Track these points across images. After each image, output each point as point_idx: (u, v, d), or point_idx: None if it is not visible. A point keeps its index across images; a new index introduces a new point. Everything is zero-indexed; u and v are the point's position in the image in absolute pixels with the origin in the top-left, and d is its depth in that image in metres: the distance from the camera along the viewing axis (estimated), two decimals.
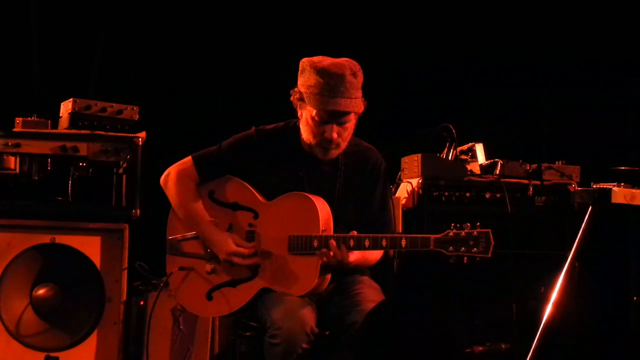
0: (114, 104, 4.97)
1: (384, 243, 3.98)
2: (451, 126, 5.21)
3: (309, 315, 3.96)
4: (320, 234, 4.03)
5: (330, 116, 4.04)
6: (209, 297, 4.19)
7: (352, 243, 3.99)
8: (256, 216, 4.18)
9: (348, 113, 4.05)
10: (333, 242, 3.97)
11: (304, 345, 3.89)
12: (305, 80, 4.07)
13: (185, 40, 6.25)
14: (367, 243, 3.99)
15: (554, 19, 6.36)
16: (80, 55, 6.10)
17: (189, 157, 4.28)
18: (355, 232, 4.03)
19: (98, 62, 6.13)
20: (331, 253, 3.98)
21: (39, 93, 5.93)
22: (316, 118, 4.05)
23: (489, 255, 3.88)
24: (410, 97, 6.33)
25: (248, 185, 4.21)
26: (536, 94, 6.39)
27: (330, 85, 4.00)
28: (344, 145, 4.14)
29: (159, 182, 4.30)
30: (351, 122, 4.11)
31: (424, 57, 6.34)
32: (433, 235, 3.92)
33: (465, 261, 3.93)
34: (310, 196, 4.08)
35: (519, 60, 6.31)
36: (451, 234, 3.90)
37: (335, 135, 4.06)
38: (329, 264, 4.03)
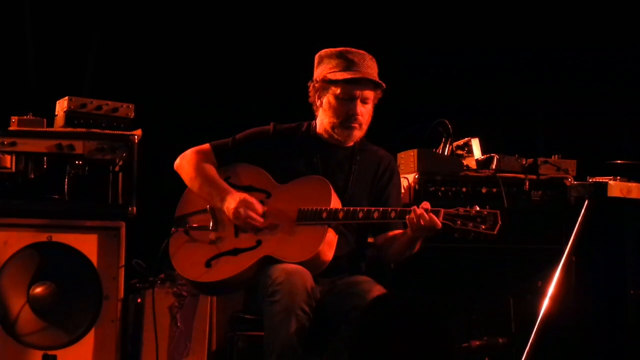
0: (109, 102, 4.96)
1: (392, 215, 4.05)
2: (447, 121, 5.21)
3: (308, 276, 4.00)
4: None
5: (355, 88, 4.16)
6: (208, 264, 4.19)
7: (360, 215, 4.05)
8: (268, 196, 4.24)
9: (373, 85, 4.19)
10: (427, 204, 4.00)
11: (304, 306, 3.91)
12: (325, 66, 4.22)
13: (180, 38, 6.24)
14: (375, 215, 4.06)
15: (550, 13, 6.36)
16: (75, 53, 6.09)
17: (207, 144, 4.37)
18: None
19: (93, 60, 6.12)
20: (418, 213, 3.97)
21: (34, 91, 5.92)
22: (340, 95, 4.17)
23: (495, 233, 3.93)
24: (406, 92, 6.32)
25: (263, 171, 4.28)
26: (532, 88, 6.39)
27: (354, 62, 4.19)
28: (365, 127, 4.25)
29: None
30: (370, 104, 4.23)
31: (420, 52, 6.33)
32: (443, 209, 3.97)
33: (471, 236, 3.96)
34: (325, 179, 4.16)
35: (515, 54, 6.30)
36: (461, 210, 3.97)
37: (359, 110, 4.17)
38: (417, 233, 4.02)
